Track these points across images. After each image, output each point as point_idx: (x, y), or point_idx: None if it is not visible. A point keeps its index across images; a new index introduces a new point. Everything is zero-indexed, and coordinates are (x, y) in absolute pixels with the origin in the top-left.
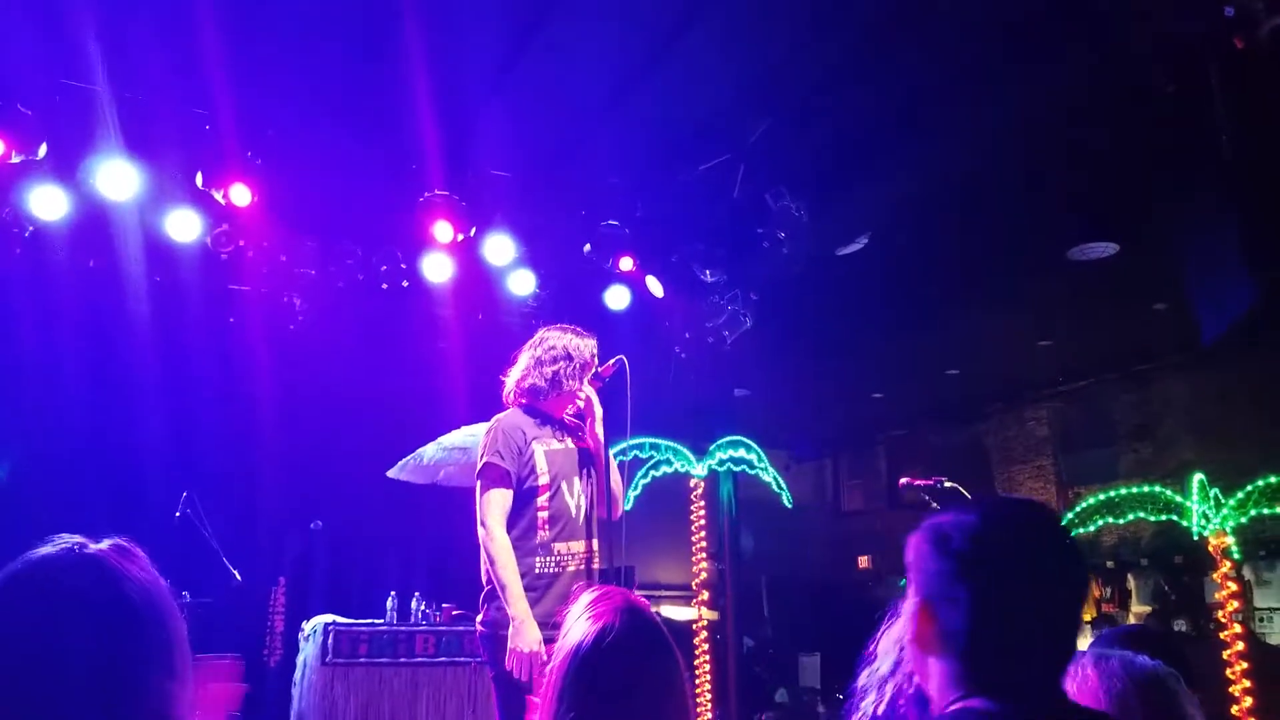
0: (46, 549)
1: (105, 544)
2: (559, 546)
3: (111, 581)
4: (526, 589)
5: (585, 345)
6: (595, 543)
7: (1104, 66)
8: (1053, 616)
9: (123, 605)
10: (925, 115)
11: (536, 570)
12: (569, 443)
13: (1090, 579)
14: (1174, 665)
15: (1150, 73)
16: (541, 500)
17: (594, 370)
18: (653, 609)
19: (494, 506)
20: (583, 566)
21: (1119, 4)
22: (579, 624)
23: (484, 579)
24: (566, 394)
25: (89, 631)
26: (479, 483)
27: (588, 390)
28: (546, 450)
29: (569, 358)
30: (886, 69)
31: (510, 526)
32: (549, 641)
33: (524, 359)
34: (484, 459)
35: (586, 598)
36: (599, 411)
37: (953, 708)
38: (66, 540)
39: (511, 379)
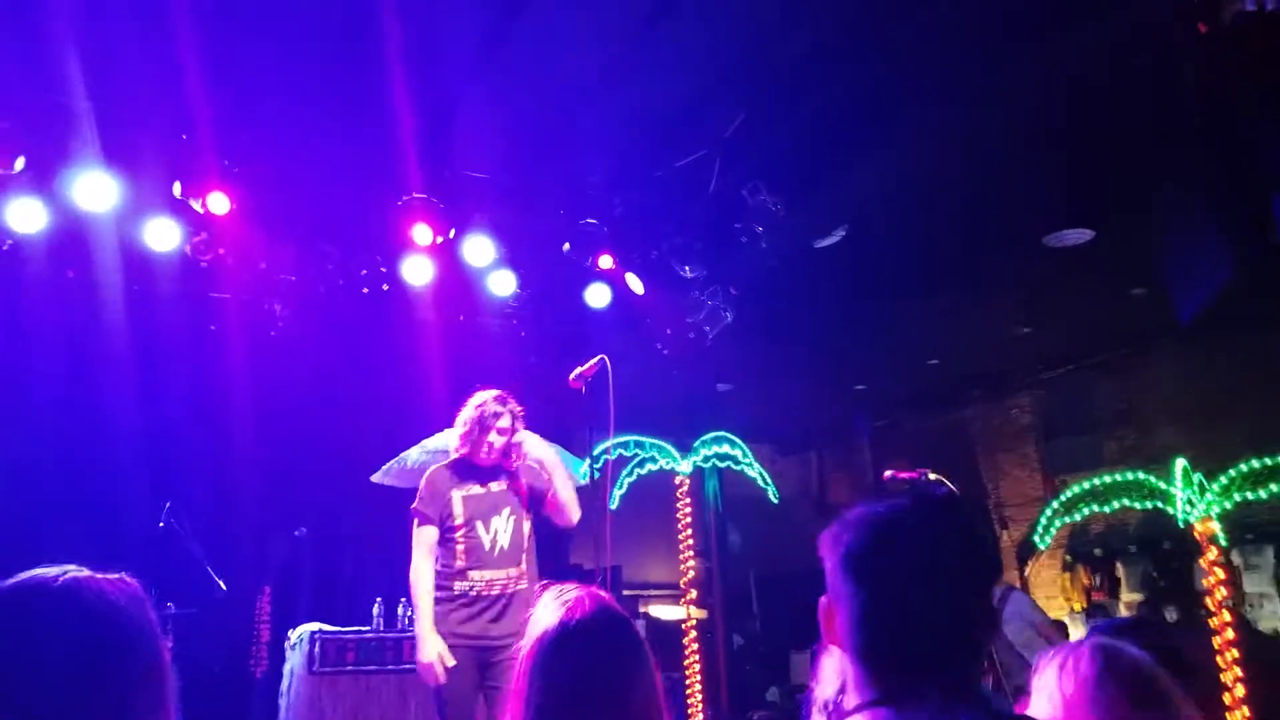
0: (27, 575)
1: (86, 572)
2: (474, 574)
3: (93, 609)
4: (458, 606)
5: (481, 402)
6: (520, 568)
7: (1076, 52)
8: (944, 612)
9: (103, 633)
10: (898, 106)
11: (456, 591)
12: (492, 486)
13: (993, 571)
14: (1168, 656)
15: (1121, 57)
16: (458, 536)
17: (506, 416)
18: (641, 608)
19: (417, 543)
20: (504, 590)
21: None
22: (546, 612)
23: None
24: (481, 446)
25: (70, 660)
26: (411, 522)
27: (521, 437)
28: (464, 496)
29: (470, 420)
30: (860, 60)
31: (439, 557)
32: (484, 650)
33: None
34: (414, 504)
35: (553, 591)
36: (528, 449)
37: (853, 716)
38: (48, 569)
39: None
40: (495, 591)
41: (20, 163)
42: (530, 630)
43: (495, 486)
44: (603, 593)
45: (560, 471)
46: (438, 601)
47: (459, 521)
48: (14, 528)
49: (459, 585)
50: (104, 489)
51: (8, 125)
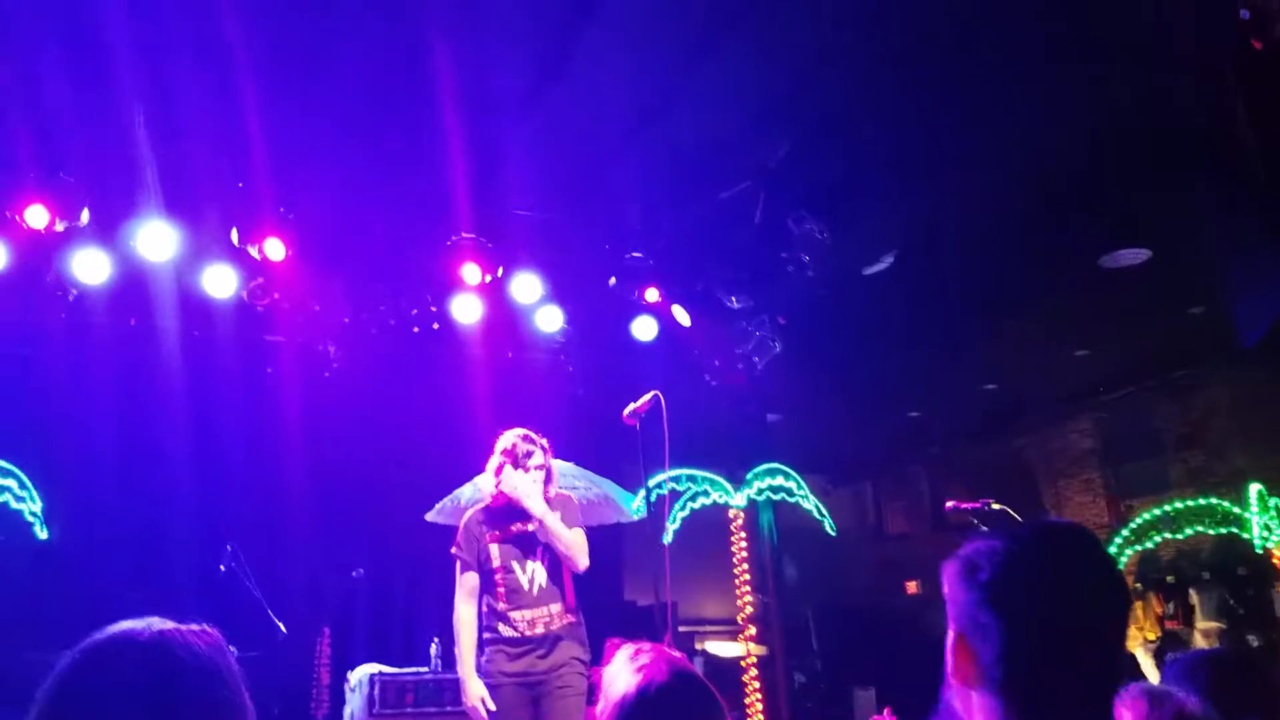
0: (114, 629)
1: (171, 624)
2: (516, 615)
3: (181, 662)
4: (503, 648)
5: (511, 444)
6: (560, 604)
7: (1128, 73)
8: (1090, 644)
9: (193, 685)
10: (948, 131)
11: (504, 634)
12: (527, 527)
13: (1130, 604)
14: (1250, 690)
15: (1174, 77)
16: (497, 579)
17: (537, 452)
18: (697, 645)
19: (459, 587)
20: (544, 630)
21: (1140, 12)
22: (622, 677)
23: None
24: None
25: (160, 713)
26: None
27: (512, 482)
28: (499, 539)
29: (501, 462)
30: (908, 87)
31: (483, 599)
32: (534, 684)
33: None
34: (452, 548)
35: (625, 653)
36: (527, 491)
37: None
38: (135, 622)
39: None
40: (539, 630)
41: (86, 215)
42: (607, 692)
43: (532, 526)
44: (676, 653)
45: (551, 520)
46: (485, 643)
47: (496, 564)
48: (79, 571)
49: (503, 628)
50: (165, 532)
51: (74, 179)
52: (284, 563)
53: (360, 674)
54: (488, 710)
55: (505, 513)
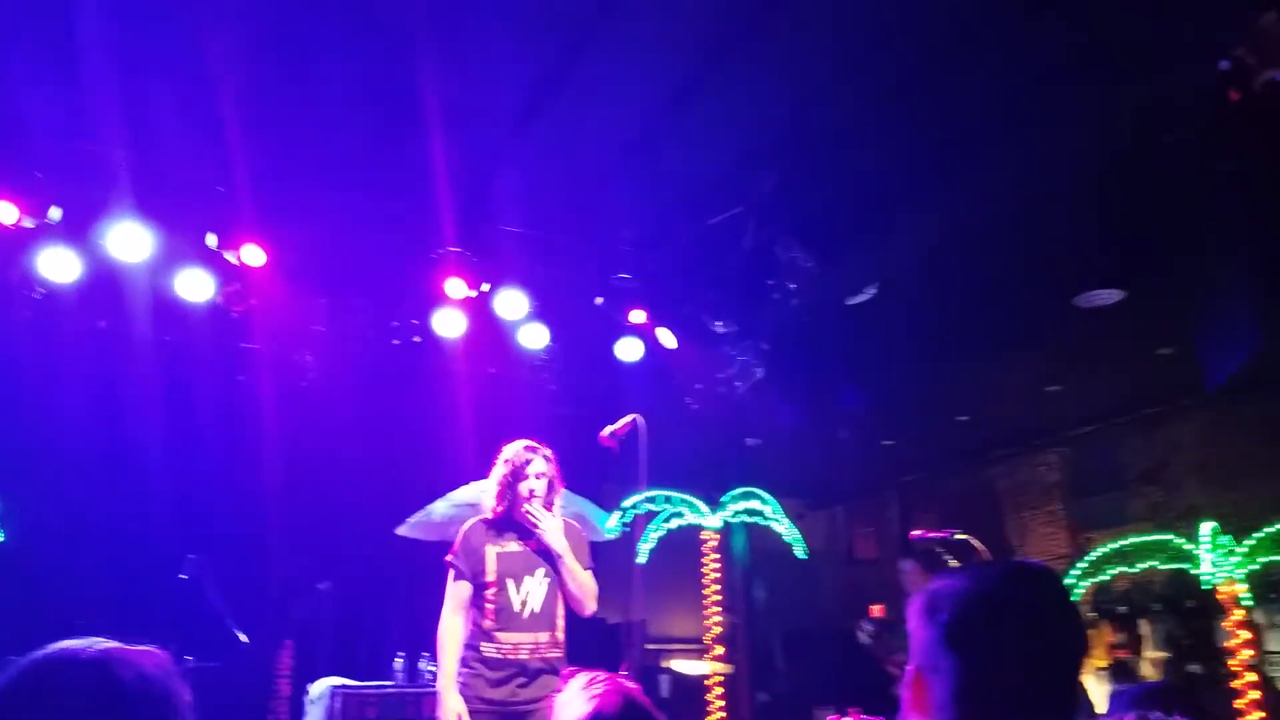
0: (56, 647)
1: (115, 643)
2: (503, 636)
3: (123, 683)
4: (484, 671)
5: (512, 454)
6: (545, 636)
7: (1108, 118)
8: (1044, 688)
9: (134, 708)
10: (932, 168)
11: (483, 654)
12: (529, 544)
13: (1087, 649)
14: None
15: (1154, 123)
16: (489, 594)
17: (539, 460)
18: (664, 663)
19: (450, 597)
20: (528, 657)
21: (1121, 58)
22: (571, 707)
23: None
24: (518, 498)
25: None
26: (447, 574)
27: (539, 515)
28: (499, 552)
29: (503, 474)
30: (895, 123)
31: (471, 616)
32: (510, 716)
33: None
34: (448, 555)
35: (579, 681)
36: (549, 525)
37: None
38: (77, 641)
39: None
40: (523, 656)
41: (55, 213)
42: (558, 715)
43: (533, 544)
44: (629, 684)
45: (570, 560)
46: (466, 662)
47: (490, 578)
48: (41, 577)
49: (485, 648)
50: (129, 539)
51: (43, 176)
52: (250, 573)
53: (321, 686)
54: None
55: (509, 526)
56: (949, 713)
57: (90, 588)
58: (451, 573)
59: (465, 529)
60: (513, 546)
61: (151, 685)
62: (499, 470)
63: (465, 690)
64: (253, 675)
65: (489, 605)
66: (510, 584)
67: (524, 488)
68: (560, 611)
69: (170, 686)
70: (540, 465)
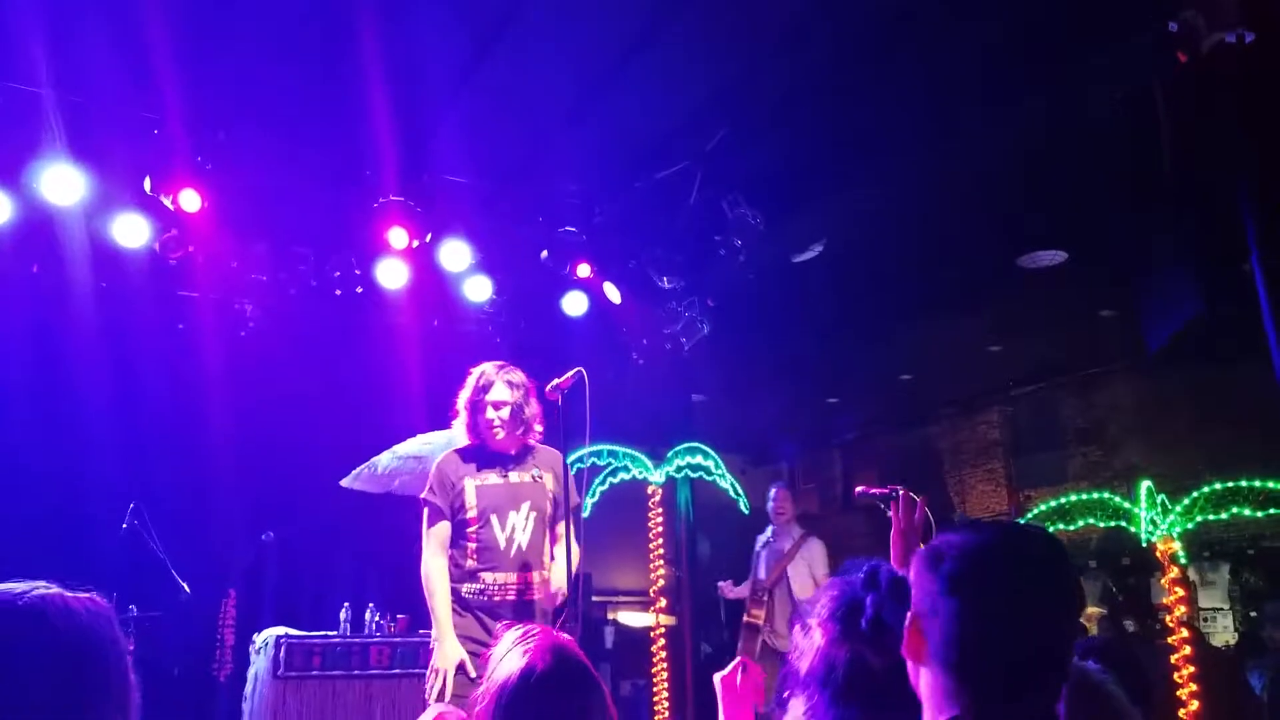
0: None
1: (55, 589)
2: (485, 575)
3: (59, 628)
4: (464, 612)
5: (475, 378)
6: (535, 575)
7: (1054, 82)
8: (1041, 636)
9: (71, 653)
10: (881, 130)
11: (464, 594)
12: (512, 476)
13: (1082, 608)
14: (1130, 675)
15: (1098, 87)
16: (470, 531)
17: (500, 384)
18: (610, 615)
19: (429, 537)
20: (513, 598)
21: (1068, 24)
22: (506, 661)
23: None
24: (489, 429)
25: (35, 681)
26: (422, 512)
27: (532, 409)
28: (478, 485)
29: (465, 401)
30: (844, 83)
31: (449, 553)
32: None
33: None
34: (423, 492)
35: (513, 635)
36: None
37: None
38: (14, 585)
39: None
40: (510, 597)
41: None
42: (490, 674)
43: (516, 477)
44: (563, 636)
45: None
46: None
47: (472, 514)
48: None
49: (467, 588)
50: (69, 488)
51: None
52: (192, 523)
53: (266, 636)
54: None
55: (487, 455)
56: (949, 655)
57: (29, 537)
58: (427, 511)
59: (440, 461)
60: (494, 479)
61: (88, 633)
62: (463, 395)
63: (466, 614)
64: (197, 625)
65: (470, 544)
66: (494, 519)
67: (490, 416)
68: (547, 547)
69: (108, 634)
70: (502, 392)
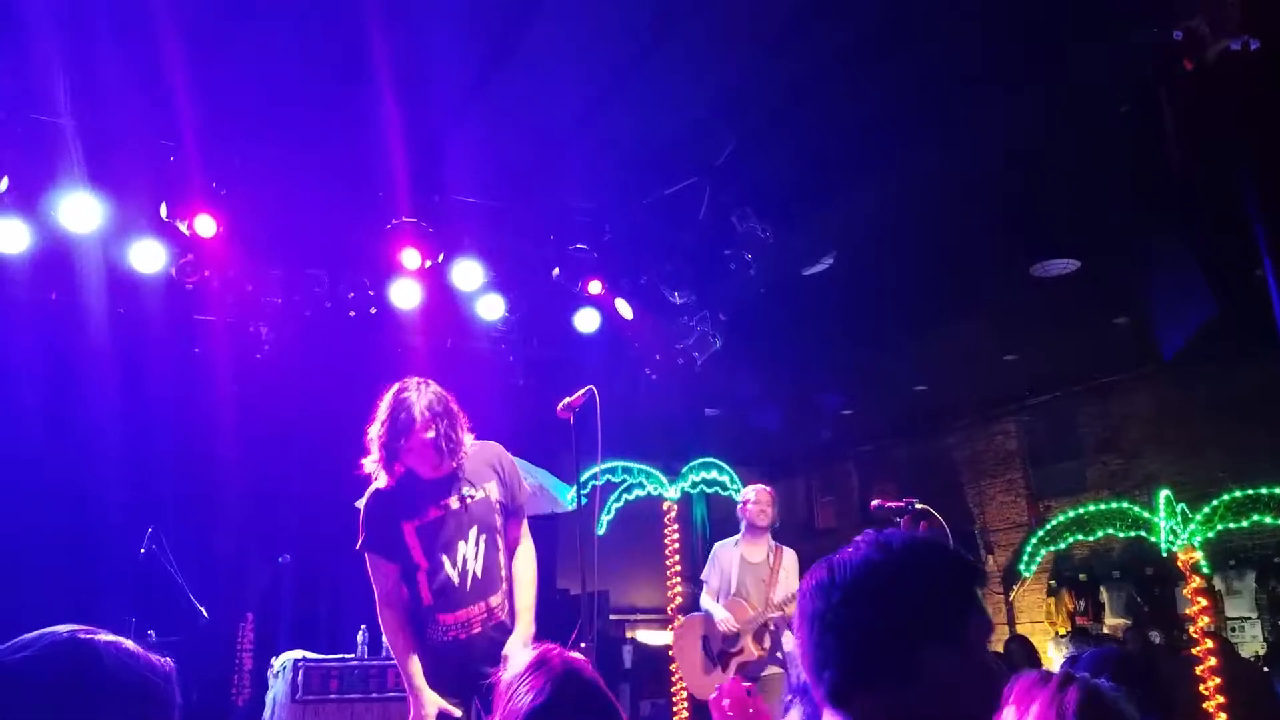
0: (22, 639)
1: (75, 629)
2: (444, 618)
3: (85, 669)
4: (432, 654)
5: (387, 408)
6: (496, 597)
7: (1061, 88)
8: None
9: (93, 693)
10: (888, 138)
11: (430, 638)
12: (450, 503)
13: (959, 588)
14: (1146, 689)
15: (1106, 94)
16: (420, 576)
17: (416, 409)
18: (628, 633)
19: (377, 587)
20: (478, 630)
21: (1075, 28)
22: (520, 689)
23: None
24: (415, 451)
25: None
26: (365, 558)
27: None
28: (418, 527)
29: (378, 436)
30: (851, 93)
31: (405, 594)
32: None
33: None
34: (359, 543)
35: (523, 661)
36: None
37: None
38: (41, 633)
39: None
40: (475, 630)
41: (4, 182)
42: (506, 702)
43: (456, 502)
44: (577, 658)
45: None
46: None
47: (417, 560)
48: None
49: (430, 631)
50: (86, 513)
51: None
52: (209, 547)
53: (284, 660)
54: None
55: (418, 490)
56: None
57: (47, 563)
58: (368, 562)
59: (367, 505)
60: (431, 514)
61: (160, 691)
62: (375, 430)
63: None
64: (215, 649)
65: (423, 589)
66: (444, 559)
67: (411, 460)
68: (504, 564)
69: (172, 696)
70: (425, 429)
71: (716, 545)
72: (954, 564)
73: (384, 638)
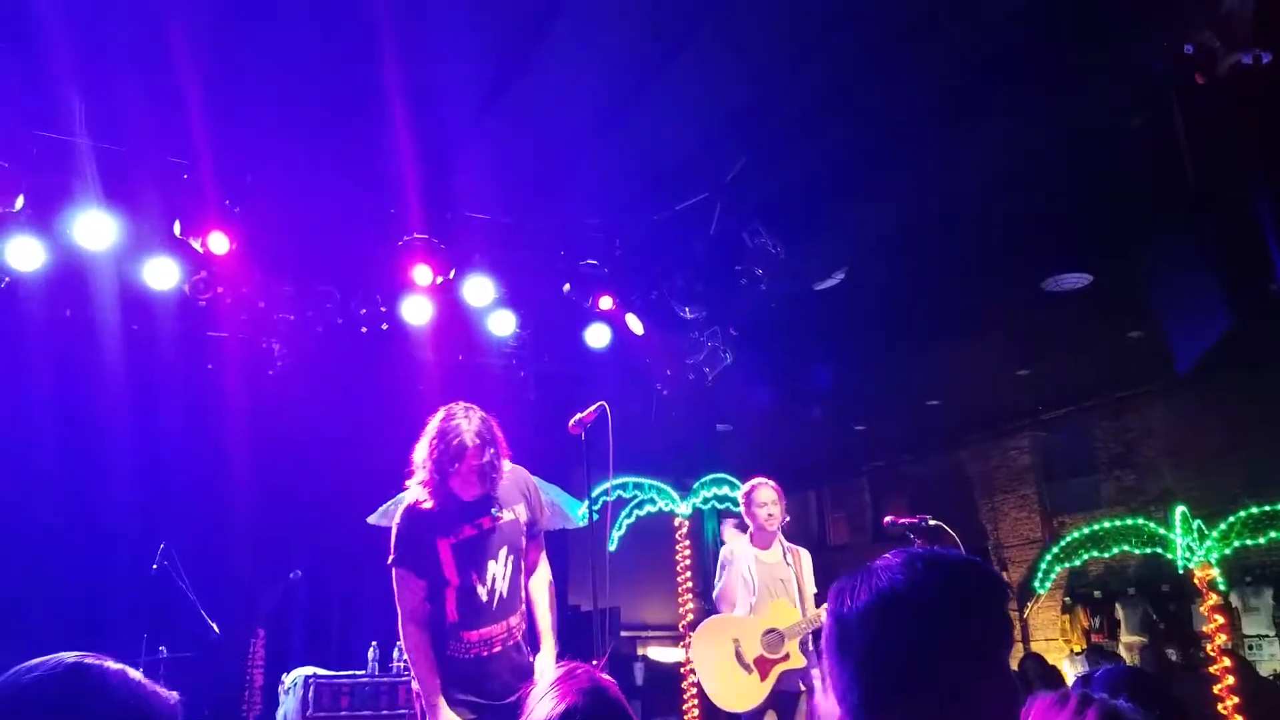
0: (32, 662)
1: (84, 656)
2: (468, 635)
3: (90, 695)
4: (451, 671)
5: (440, 431)
6: (515, 617)
7: (1074, 103)
8: (948, 672)
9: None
10: (900, 152)
11: (450, 655)
12: (484, 523)
13: (993, 611)
14: (1167, 709)
15: (1119, 108)
16: (449, 594)
17: (470, 435)
18: (639, 650)
19: (404, 607)
20: (499, 649)
21: (1087, 43)
22: (543, 704)
23: None
24: (462, 474)
25: None
26: (391, 573)
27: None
28: (454, 544)
29: (431, 457)
30: (861, 108)
31: (430, 610)
32: (490, 711)
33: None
34: (391, 557)
35: (551, 676)
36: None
37: None
38: (51, 657)
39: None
40: (496, 649)
41: (20, 201)
42: (530, 709)
43: (490, 522)
44: (604, 677)
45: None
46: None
47: (449, 577)
48: (8, 568)
49: (451, 647)
50: (99, 529)
51: (7, 164)
52: (221, 563)
53: (295, 676)
54: None
55: (456, 509)
56: (851, 700)
57: (60, 578)
58: (395, 577)
59: (403, 519)
60: (467, 532)
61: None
62: (424, 451)
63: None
64: (226, 665)
65: (450, 605)
66: (473, 576)
67: (459, 482)
68: (523, 583)
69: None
70: (476, 455)
71: (726, 550)
72: (984, 583)
73: (403, 654)
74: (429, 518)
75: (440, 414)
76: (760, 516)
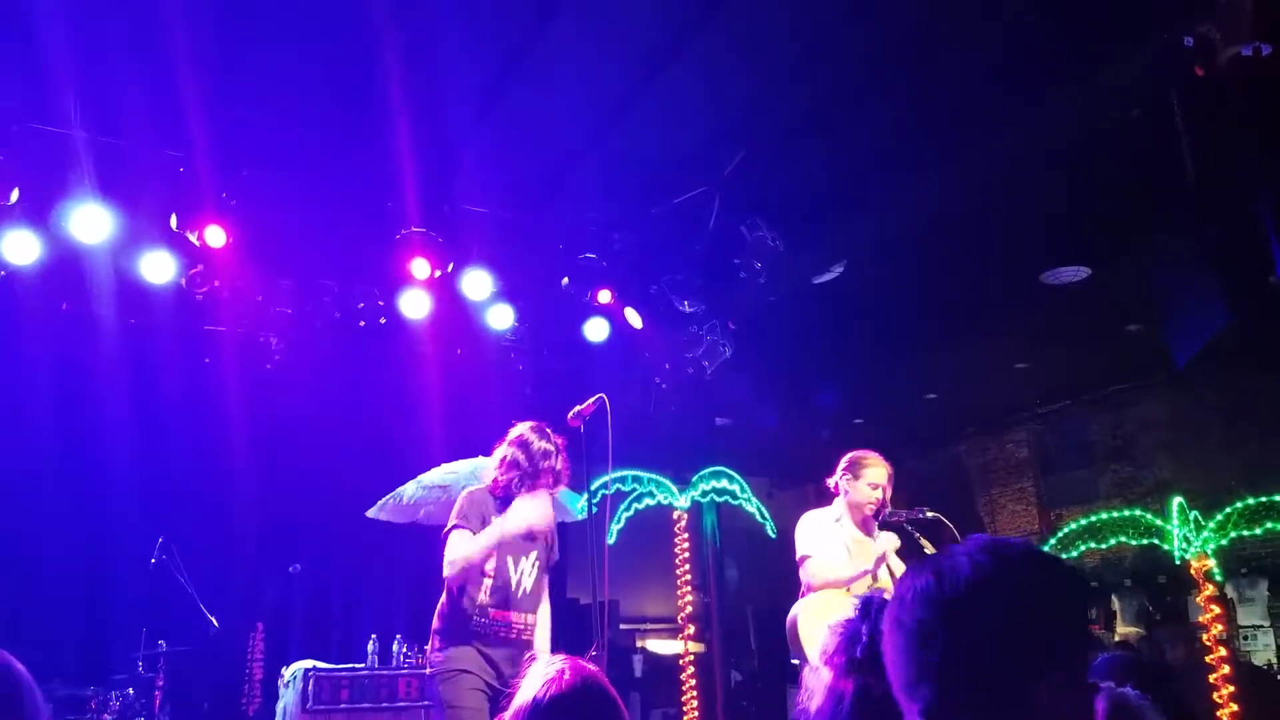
0: None
1: None
2: (495, 613)
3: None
4: (474, 644)
5: (529, 439)
6: (532, 618)
7: (1073, 96)
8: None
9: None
10: (899, 147)
11: (473, 626)
12: (529, 531)
13: (1080, 613)
14: (1162, 695)
15: (1118, 100)
16: (488, 568)
17: (557, 455)
18: (638, 643)
19: (455, 550)
20: (514, 636)
21: (1087, 35)
22: (529, 683)
23: (435, 618)
24: (536, 486)
25: None
26: (448, 536)
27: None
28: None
29: (519, 457)
30: (863, 104)
31: (462, 588)
32: (498, 692)
33: (497, 454)
34: (452, 522)
35: (540, 662)
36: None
37: None
38: None
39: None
40: (513, 635)
41: (15, 194)
42: (514, 701)
43: (531, 532)
44: (588, 665)
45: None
46: (452, 637)
47: (487, 564)
48: (7, 562)
49: (476, 621)
50: (97, 523)
51: (2, 157)
52: (220, 557)
53: (295, 669)
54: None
55: (507, 505)
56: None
57: (59, 572)
58: (455, 534)
59: (469, 493)
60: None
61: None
62: (517, 451)
63: (452, 665)
64: (225, 659)
65: (485, 580)
66: (509, 561)
67: (533, 484)
68: (544, 596)
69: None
70: (554, 475)
71: (810, 517)
72: (1074, 585)
73: (403, 647)
74: (491, 501)
75: (533, 427)
76: (875, 501)
